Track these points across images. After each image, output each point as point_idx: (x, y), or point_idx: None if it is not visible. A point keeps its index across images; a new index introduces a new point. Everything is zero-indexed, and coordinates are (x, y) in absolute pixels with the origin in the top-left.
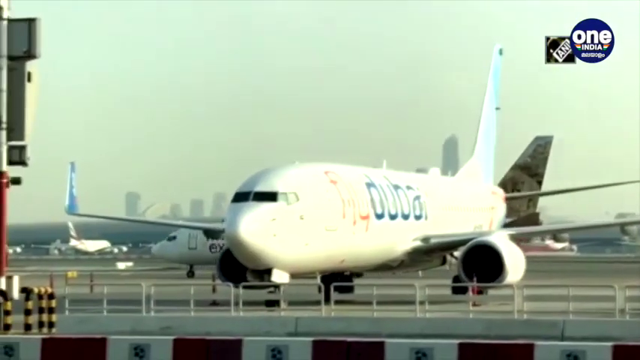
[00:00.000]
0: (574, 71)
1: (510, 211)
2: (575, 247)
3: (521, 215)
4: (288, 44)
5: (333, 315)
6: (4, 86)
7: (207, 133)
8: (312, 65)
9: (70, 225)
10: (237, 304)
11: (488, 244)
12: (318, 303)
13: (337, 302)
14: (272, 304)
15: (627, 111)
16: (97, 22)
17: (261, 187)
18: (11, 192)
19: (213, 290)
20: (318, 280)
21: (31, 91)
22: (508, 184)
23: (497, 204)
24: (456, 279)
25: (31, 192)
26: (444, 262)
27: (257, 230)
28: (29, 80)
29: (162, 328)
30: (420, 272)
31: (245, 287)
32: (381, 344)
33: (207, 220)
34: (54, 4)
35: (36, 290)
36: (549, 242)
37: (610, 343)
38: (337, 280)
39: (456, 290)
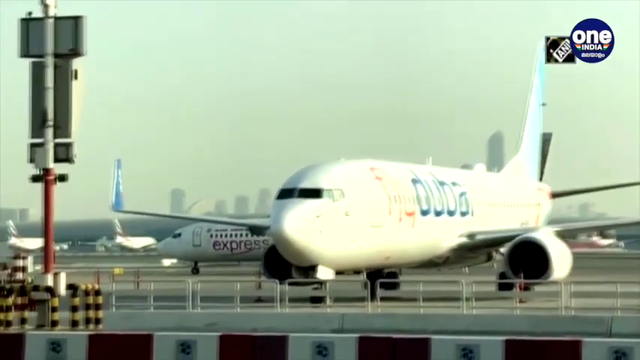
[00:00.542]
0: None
1: None
2: (622, 243)
3: None
4: (331, 41)
5: (379, 311)
6: (51, 84)
7: (253, 130)
8: (357, 62)
9: (116, 222)
10: (282, 300)
11: (535, 240)
12: (363, 299)
13: (383, 299)
14: (317, 300)
15: None
16: (142, 18)
17: (306, 184)
18: (58, 189)
19: (259, 287)
20: (364, 277)
21: (77, 88)
22: None
23: (543, 200)
24: (502, 275)
25: (78, 189)
26: (489, 258)
27: (302, 227)
28: (75, 78)
29: (207, 324)
30: (465, 269)
31: (290, 284)
32: (427, 341)
33: (251, 217)
34: (100, 2)
35: (82, 287)
36: (596, 239)
37: None
38: (382, 277)
39: (502, 287)
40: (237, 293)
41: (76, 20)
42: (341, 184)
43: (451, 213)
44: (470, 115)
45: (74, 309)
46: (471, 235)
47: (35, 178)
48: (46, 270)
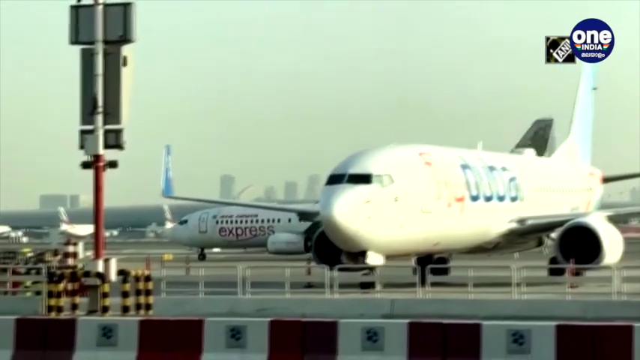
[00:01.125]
0: None
1: None
2: None
3: None
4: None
5: (429, 297)
6: (100, 71)
7: (302, 115)
8: (407, 48)
9: (166, 208)
10: (332, 286)
11: (586, 225)
12: (413, 285)
13: (433, 284)
14: (367, 286)
15: None
16: (192, 5)
17: (356, 169)
18: (108, 175)
19: (308, 272)
20: (414, 262)
21: (126, 75)
22: None
23: (594, 185)
24: (553, 260)
25: (128, 175)
26: (540, 243)
27: (351, 213)
28: (125, 64)
29: (257, 310)
30: (516, 254)
31: (340, 269)
32: (478, 326)
33: (300, 203)
34: None
35: (133, 273)
36: None
37: None
38: (432, 262)
39: (553, 272)
40: (287, 279)
41: (126, 7)
42: (390, 170)
43: (501, 198)
44: (521, 100)
45: (125, 295)
46: (521, 221)
47: (85, 165)
48: (97, 256)
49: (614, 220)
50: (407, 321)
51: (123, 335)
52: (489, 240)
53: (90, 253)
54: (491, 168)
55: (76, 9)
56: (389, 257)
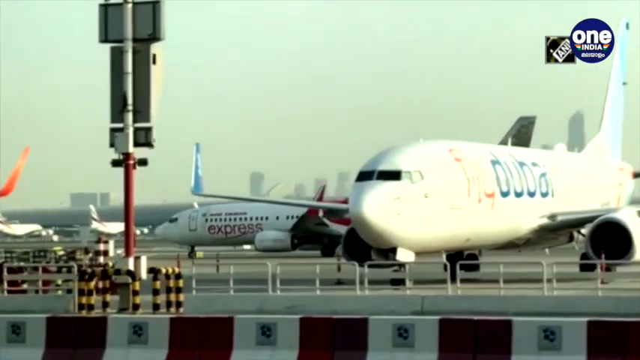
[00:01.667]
0: None
1: None
2: None
3: None
4: (410, 29)
5: (459, 293)
6: (130, 69)
7: (331, 112)
8: (436, 47)
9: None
10: (362, 282)
11: (617, 220)
12: (443, 281)
13: (463, 281)
14: (397, 282)
15: None
16: (220, 3)
17: (385, 166)
18: (138, 173)
19: (338, 269)
20: (444, 259)
21: (156, 73)
22: None
23: (625, 180)
24: (584, 256)
25: (158, 173)
26: (570, 239)
27: (381, 209)
28: (154, 62)
29: (287, 307)
30: (546, 250)
31: (370, 266)
32: (509, 322)
33: (330, 200)
34: None
35: (163, 270)
36: None
37: None
38: (462, 259)
39: (584, 268)
40: (317, 276)
41: (155, 5)
42: (420, 166)
43: (531, 194)
44: (551, 95)
45: (155, 292)
46: (551, 216)
47: (115, 163)
48: (127, 254)
49: None
50: (437, 317)
51: (153, 333)
52: (520, 236)
53: (120, 251)
54: (522, 163)
55: (105, 7)
56: (419, 254)
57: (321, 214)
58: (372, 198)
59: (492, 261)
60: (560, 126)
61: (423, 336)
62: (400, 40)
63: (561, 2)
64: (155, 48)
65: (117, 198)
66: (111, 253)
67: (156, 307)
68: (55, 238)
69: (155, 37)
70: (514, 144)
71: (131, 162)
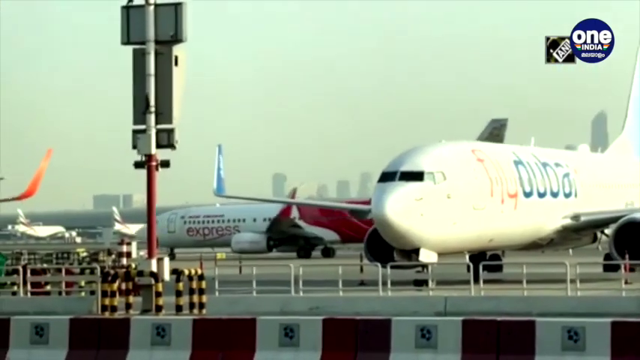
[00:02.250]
0: None
1: None
2: None
3: None
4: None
5: (483, 294)
6: (152, 70)
7: (354, 113)
8: (459, 43)
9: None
10: (384, 284)
11: None
12: (466, 282)
13: (486, 281)
14: (420, 283)
15: None
16: (241, 4)
17: (408, 167)
18: (160, 175)
19: (361, 270)
20: (467, 259)
21: (178, 74)
22: None
23: None
24: (608, 257)
25: (180, 174)
26: (594, 240)
27: (404, 210)
28: (176, 64)
29: (310, 308)
30: (570, 250)
31: (393, 267)
32: (532, 323)
33: (353, 201)
34: None
35: (186, 272)
36: None
37: None
38: (485, 259)
39: (608, 268)
40: (340, 277)
41: (177, 7)
42: (442, 167)
43: (554, 194)
44: (574, 96)
45: (178, 294)
46: (575, 217)
47: (138, 165)
48: (150, 255)
49: None
50: (461, 318)
51: (176, 334)
52: (543, 236)
53: (143, 253)
54: (545, 164)
55: (127, 9)
56: (442, 254)
57: (297, 215)
58: (395, 199)
59: (515, 261)
60: (584, 126)
61: (446, 337)
62: (408, 41)
63: (561, 2)
64: (177, 49)
65: (140, 200)
66: (134, 255)
67: (179, 308)
68: (78, 239)
69: (177, 38)
70: None
71: (153, 163)
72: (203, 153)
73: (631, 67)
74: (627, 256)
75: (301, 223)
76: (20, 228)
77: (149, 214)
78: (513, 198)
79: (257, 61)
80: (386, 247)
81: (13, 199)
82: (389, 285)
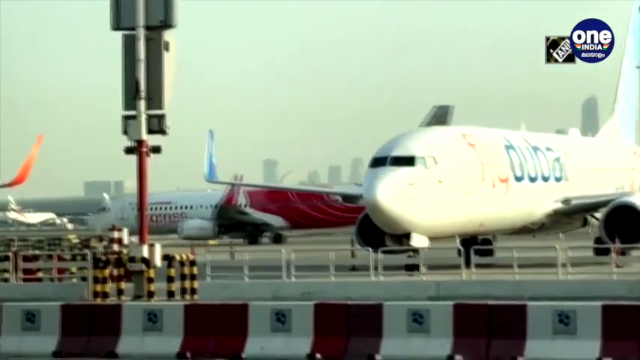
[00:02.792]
0: None
1: None
2: None
3: None
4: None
5: (474, 278)
6: (142, 56)
7: (345, 99)
8: (450, 27)
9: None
10: (376, 268)
11: (631, 204)
12: (458, 267)
13: (477, 266)
14: (412, 268)
15: None
16: None
17: (399, 152)
18: (151, 160)
19: (352, 255)
20: (458, 244)
21: (168, 60)
22: None
23: (638, 164)
24: (598, 240)
25: (171, 160)
26: (584, 223)
27: (395, 195)
28: (166, 49)
29: (302, 293)
30: (560, 234)
31: (384, 252)
32: (523, 307)
33: (344, 186)
34: None
35: (178, 257)
36: None
37: None
38: (477, 244)
39: (599, 252)
40: (331, 262)
41: None
42: (433, 152)
43: (545, 179)
44: (564, 80)
45: (170, 279)
46: (566, 201)
47: (129, 150)
48: (142, 241)
49: None
50: (452, 303)
51: (168, 320)
52: (534, 220)
53: (135, 239)
54: (536, 148)
55: None
56: (433, 239)
57: (244, 202)
58: (386, 184)
59: (507, 246)
60: (574, 111)
61: (438, 321)
62: (403, 36)
63: (561, 2)
64: (167, 35)
65: (131, 186)
66: (125, 241)
67: (170, 294)
68: (70, 226)
69: (167, 24)
70: None
71: (144, 149)
72: (195, 139)
73: (621, 53)
74: (617, 240)
75: (249, 209)
76: (11, 215)
77: (140, 200)
78: (504, 182)
79: (248, 47)
80: (377, 232)
81: (4, 185)
82: (380, 270)
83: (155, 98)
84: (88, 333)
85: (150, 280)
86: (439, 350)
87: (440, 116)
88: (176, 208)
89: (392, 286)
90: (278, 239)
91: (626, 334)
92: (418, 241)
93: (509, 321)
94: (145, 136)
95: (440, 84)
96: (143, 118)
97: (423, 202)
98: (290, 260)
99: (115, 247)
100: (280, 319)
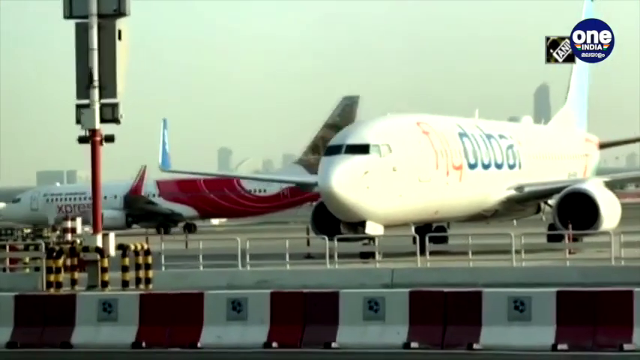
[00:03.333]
0: None
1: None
2: None
3: None
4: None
5: (429, 266)
6: (95, 45)
7: (298, 87)
8: (405, 12)
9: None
10: (331, 256)
11: (583, 191)
12: (413, 254)
13: (432, 253)
14: (367, 256)
15: None
16: None
17: (354, 140)
18: (105, 150)
19: (308, 243)
20: (413, 231)
21: (121, 48)
22: (319, 142)
23: (591, 151)
24: (551, 227)
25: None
26: (538, 210)
27: (350, 183)
28: (120, 38)
29: (258, 281)
30: (514, 221)
31: (339, 240)
32: (479, 294)
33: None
34: None
35: (132, 247)
36: None
37: None
38: (431, 231)
39: (552, 238)
40: (286, 250)
41: None
42: (388, 140)
43: (499, 166)
44: (516, 68)
45: (124, 269)
46: (519, 188)
47: (82, 140)
48: (95, 231)
49: (612, 185)
50: (408, 290)
51: (123, 310)
52: (488, 207)
53: (88, 229)
54: (489, 136)
55: None
56: (388, 227)
57: (153, 191)
58: (341, 172)
59: (461, 233)
60: (526, 98)
61: (394, 309)
62: (401, 37)
63: (561, 2)
64: (120, 23)
65: (84, 176)
66: (79, 231)
67: (125, 284)
68: None
69: (120, 12)
70: (339, 123)
71: (98, 138)
72: (148, 128)
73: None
74: (570, 226)
75: (159, 199)
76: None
77: (94, 190)
78: (458, 170)
79: (201, 34)
80: (332, 220)
81: None
82: (336, 258)
83: (108, 87)
84: (43, 324)
85: (104, 270)
86: (395, 337)
87: (346, 106)
88: (89, 198)
89: (347, 274)
90: (189, 228)
91: (581, 319)
92: (373, 228)
93: (465, 307)
94: (98, 125)
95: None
96: (96, 107)
97: (378, 190)
98: (245, 249)
99: (69, 236)
100: (236, 308)
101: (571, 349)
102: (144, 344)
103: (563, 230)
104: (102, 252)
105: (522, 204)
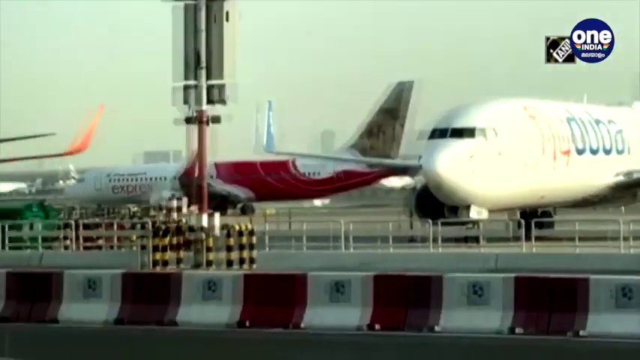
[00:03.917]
0: None
1: (373, 151)
2: None
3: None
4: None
5: (534, 251)
6: (203, 26)
7: (403, 70)
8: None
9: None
10: (435, 240)
11: None
12: (517, 239)
13: (537, 238)
14: (471, 240)
15: None
16: None
17: (459, 123)
18: (211, 130)
19: (411, 227)
20: (518, 216)
21: (229, 30)
22: (374, 127)
23: None
24: None
25: (231, 130)
26: None
27: (455, 167)
28: (227, 20)
29: (361, 264)
30: (622, 208)
31: (443, 224)
32: (585, 281)
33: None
34: None
35: (236, 227)
36: None
37: None
38: (537, 216)
39: None
40: (390, 233)
41: None
42: (494, 123)
43: (607, 151)
44: (628, 53)
45: (229, 249)
46: (628, 174)
47: (189, 120)
48: (201, 211)
49: None
50: (512, 275)
51: (227, 289)
52: (595, 193)
53: (194, 208)
54: (598, 121)
55: None
56: (493, 211)
57: (213, 173)
58: (446, 156)
59: (567, 219)
60: (634, 82)
61: (498, 293)
62: (399, 37)
63: (561, 2)
64: (228, 5)
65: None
66: (184, 210)
67: (229, 263)
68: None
69: None
70: (393, 108)
71: (204, 119)
72: (254, 109)
73: None
74: None
75: (216, 180)
76: (72, 183)
77: (200, 170)
78: (565, 155)
79: (309, 18)
80: (436, 204)
81: (65, 153)
82: (440, 241)
83: (215, 68)
84: (148, 301)
85: (208, 249)
86: (499, 322)
87: (401, 91)
88: (150, 179)
89: (451, 258)
90: (245, 210)
91: None
92: (477, 213)
93: (571, 293)
94: (205, 106)
95: (504, 58)
96: (203, 88)
97: (483, 174)
98: (348, 231)
99: (175, 215)
100: (339, 290)
101: None
102: (247, 323)
103: None
104: (207, 232)
105: (631, 190)
